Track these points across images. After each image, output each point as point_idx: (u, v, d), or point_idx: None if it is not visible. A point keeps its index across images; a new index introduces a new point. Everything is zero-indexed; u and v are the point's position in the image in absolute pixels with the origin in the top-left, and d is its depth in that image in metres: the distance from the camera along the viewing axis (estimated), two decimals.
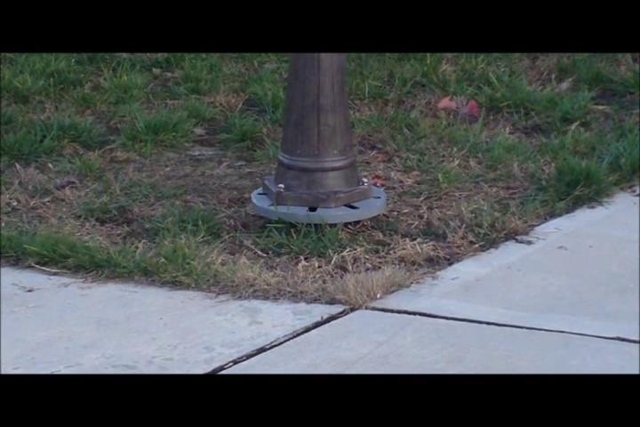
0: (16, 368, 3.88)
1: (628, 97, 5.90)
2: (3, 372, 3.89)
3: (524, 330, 4.01)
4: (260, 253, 4.54)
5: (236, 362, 3.86)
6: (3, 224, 4.82)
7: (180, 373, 3.81)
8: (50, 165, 5.38)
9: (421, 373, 3.80)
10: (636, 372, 3.76)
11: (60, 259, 4.51)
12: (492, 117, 5.73)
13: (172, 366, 3.85)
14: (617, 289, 4.27)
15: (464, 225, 4.68)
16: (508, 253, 4.58)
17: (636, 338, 3.91)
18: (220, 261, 4.44)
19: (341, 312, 4.16)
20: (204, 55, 6.66)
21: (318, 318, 4.11)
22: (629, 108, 5.79)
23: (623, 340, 3.91)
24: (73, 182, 5.20)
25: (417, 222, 4.76)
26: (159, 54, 6.73)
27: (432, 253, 4.52)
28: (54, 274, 4.47)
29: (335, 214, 4.67)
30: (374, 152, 5.34)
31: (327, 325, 4.09)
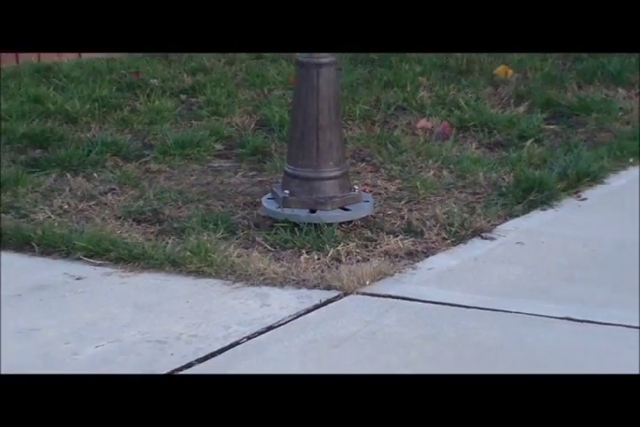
0: (67, 343, 3.88)
1: (573, 118, 5.92)
2: (55, 348, 3.89)
3: (488, 311, 4.02)
4: (269, 247, 4.55)
5: (249, 338, 3.87)
6: (56, 224, 4.83)
7: (202, 346, 3.82)
8: (95, 175, 5.38)
9: (403, 347, 3.80)
10: (582, 346, 3.76)
11: (103, 252, 4.52)
12: (461, 135, 5.74)
13: (196, 341, 3.86)
14: (565, 277, 4.28)
15: (438, 224, 4.69)
16: (475, 247, 4.59)
17: (581, 318, 3.91)
18: (235, 254, 4.45)
19: (336, 297, 4.17)
20: (222, 83, 6.65)
21: (317, 302, 4.13)
22: (575, 128, 5.82)
23: (571, 319, 3.92)
24: (114, 189, 5.21)
25: (399, 222, 4.77)
26: (185, 82, 6.74)
27: (411, 247, 4.53)
28: (98, 265, 4.48)
29: (331, 215, 4.68)
30: (363, 164, 5.36)
31: (324, 307, 4.10)
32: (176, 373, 3.66)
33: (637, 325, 3.85)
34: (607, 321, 3.89)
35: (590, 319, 3.91)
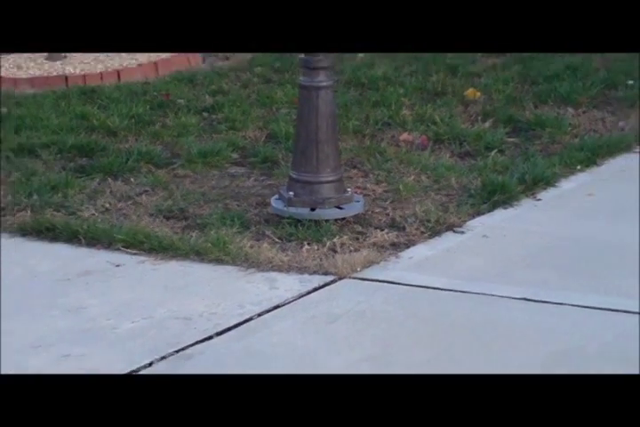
0: (108, 319, 3.89)
1: (530, 132, 5.92)
2: (98, 323, 3.89)
3: (459, 293, 4.03)
4: (276, 240, 4.54)
5: (259, 315, 3.90)
6: (99, 220, 4.83)
7: (220, 322, 3.82)
8: (131, 179, 5.38)
9: (387, 323, 3.81)
10: (537, 322, 3.76)
11: (138, 244, 4.53)
12: (436, 146, 5.73)
13: (215, 317, 3.88)
14: (524, 265, 4.28)
15: (417, 220, 4.68)
16: (448, 240, 4.57)
17: (537, 299, 3.92)
18: (248, 245, 4.45)
19: (332, 281, 4.17)
20: (237, 103, 6.64)
21: (316, 285, 4.13)
22: (532, 140, 5.81)
23: (527, 300, 3.92)
24: (147, 191, 5.20)
25: (385, 219, 4.76)
26: (207, 102, 6.73)
27: (395, 240, 4.53)
28: (134, 254, 4.48)
29: (328, 213, 4.68)
30: (355, 170, 5.35)
31: (322, 289, 4.11)
32: (198, 344, 3.68)
33: (585, 305, 3.86)
34: (559, 301, 3.90)
35: (544, 300, 3.92)
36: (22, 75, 7.72)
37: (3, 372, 3.49)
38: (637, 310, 3.77)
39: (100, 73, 7.64)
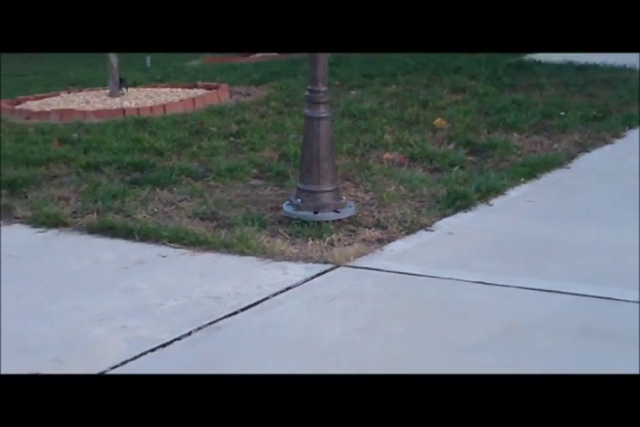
0: (156, 298, 3.91)
1: (485, 153, 5.94)
2: (148, 301, 3.89)
3: (429, 278, 4.03)
4: (287, 236, 4.54)
5: (274, 295, 3.90)
6: (149, 221, 4.82)
7: (244, 300, 3.83)
8: (174, 189, 5.40)
9: (374, 301, 3.81)
10: (490, 301, 3.77)
11: (179, 239, 4.54)
12: (412, 164, 5.75)
13: (240, 297, 3.89)
14: (480, 256, 4.29)
15: (397, 221, 4.68)
16: (421, 236, 4.57)
17: (489, 282, 3.92)
18: (265, 240, 4.46)
19: (331, 268, 4.16)
20: (257, 130, 6.69)
21: (318, 271, 4.13)
22: (486, 159, 5.83)
23: (482, 283, 3.93)
24: (186, 198, 5.21)
25: (371, 220, 4.75)
26: (233, 129, 6.75)
27: (380, 236, 4.53)
28: (176, 248, 4.49)
29: (328, 215, 4.68)
30: (348, 182, 5.37)
31: (323, 275, 4.11)
32: (226, 318, 3.69)
33: (527, 287, 3.87)
34: (506, 284, 3.90)
35: (495, 283, 3.92)
36: (90, 108, 7.75)
37: (74, 339, 3.50)
38: (567, 291, 3.78)
39: (150, 106, 7.66)
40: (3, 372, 3.24)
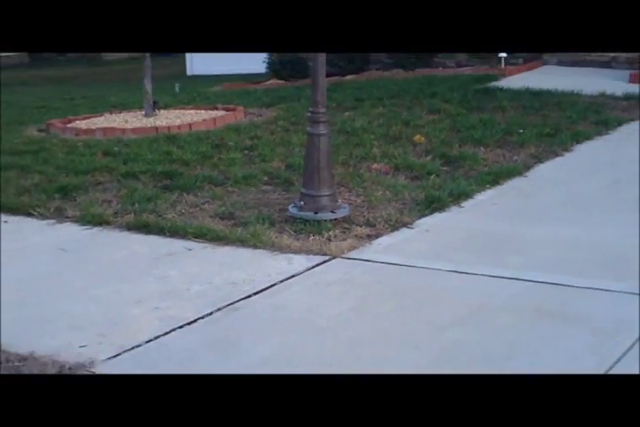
0: (183, 284, 3.91)
1: (456, 163, 5.91)
2: (177, 286, 3.89)
3: (409, 267, 4.03)
4: (292, 233, 4.52)
5: (281, 281, 3.90)
6: (178, 220, 4.79)
7: (256, 286, 3.83)
8: (198, 194, 5.38)
9: (363, 286, 3.81)
10: (461, 286, 3.76)
11: (203, 235, 4.53)
12: (396, 172, 5.74)
13: (253, 282, 3.89)
14: (452, 249, 4.28)
15: (383, 220, 4.66)
16: (403, 233, 4.55)
17: (460, 270, 3.92)
18: (274, 236, 4.45)
19: (328, 259, 4.15)
20: (268, 144, 6.67)
21: (318, 262, 4.12)
22: (457, 169, 5.80)
23: (454, 271, 3.92)
24: (208, 201, 5.20)
25: (362, 219, 4.72)
26: (247, 144, 6.74)
27: (369, 233, 4.51)
28: (200, 242, 4.48)
29: (326, 215, 4.65)
30: (343, 188, 5.35)
31: (322, 265, 4.10)
32: (242, 300, 3.69)
33: (491, 275, 3.87)
34: (474, 272, 3.90)
35: (465, 271, 3.92)
36: (128, 126, 7.75)
37: (115, 317, 3.50)
38: (524, 278, 3.78)
39: (178, 125, 7.66)
40: (55, 345, 3.24)
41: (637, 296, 3.54)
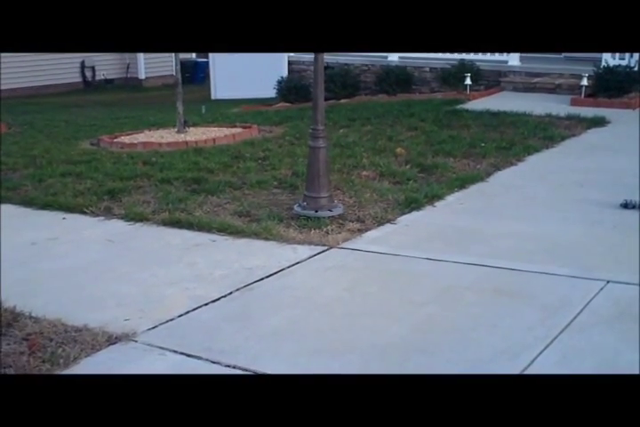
0: (208, 269, 3.87)
1: (430, 171, 5.88)
2: (204, 271, 3.87)
3: (392, 255, 4.02)
4: (297, 227, 4.50)
5: (288, 267, 3.88)
6: (204, 216, 4.75)
7: (268, 270, 3.80)
8: (220, 196, 5.35)
9: (355, 271, 3.80)
10: (434, 272, 3.75)
11: (224, 229, 4.50)
12: (381, 178, 5.71)
13: (265, 268, 3.87)
14: (428, 240, 4.27)
15: (371, 217, 4.64)
16: (387, 228, 4.53)
17: (433, 258, 3.91)
18: (282, 230, 4.43)
19: (327, 249, 4.13)
20: (277, 155, 6.62)
21: (318, 251, 4.10)
22: (431, 175, 5.76)
23: (429, 259, 3.91)
24: (229, 202, 5.17)
25: (354, 216, 4.70)
26: (261, 155, 6.69)
27: (360, 227, 4.49)
28: (222, 235, 4.45)
29: (324, 213, 4.63)
30: (338, 191, 5.30)
31: (321, 253, 4.08)
32: (256, 282, 3.68)
33: (459, 261, 3.85)
34: (445, 260, 3.89)
35: (437, 259, 3.91)
36: (163, 141, 7.71)
37: (153, 296, 3.49)
38: (486, 264, 3.78)
39: (204, 140, 7.63)
40: (104, 319, 3.23)
41: (575, 279, 3.53)
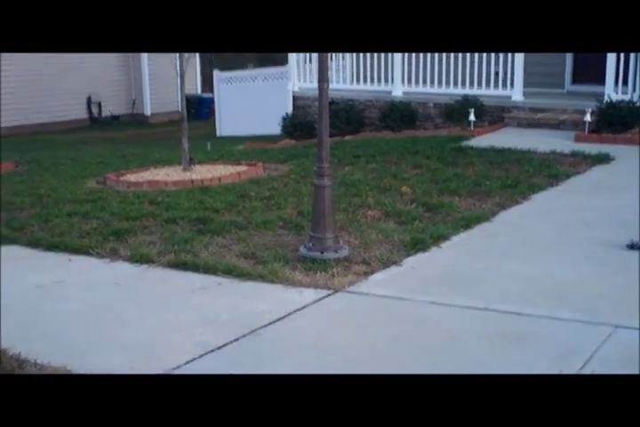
0: (214, 312, 3.85)
1: (436, 210, 5.84)
2: (209, 314, 3.86)
3: (397, 299, 4.02)
4: (303, 270, 4.50)
5: (295, 311, 3.89)
6: (210, 258, 4.75)
7: (276, 314, 3.80)
8: (226, 236, 5.35)
9: (361, 312, 3.79)
10: (437, 313, 3.74)
11: (230, 271, 4.51)
12: (387, 218, 5.72)
13: (272, 311, 3.87)
14: (433, 283, 4.25)
15: (377, 259, 4.64)
16: (393, 270, 4.53)
17: (439, 302, 3.88)
18: (288, 273, 4.43)
19: (332, 293, 4.14)
20: (282, 194, 6.66)
21: (324, 294, 4.10)
22: (437, 214, 5.74)
23: (433, 303, 3.87)
24: (235, 242, 5.16)
25: (360, 258, 4.70)
26: (266, 194, 6.71)
27: (365, 270, 4.49)
28: (228, 277, 4.46)
29: (330, 255, 4.63)
30: (344, 231, 5.31)
31: (328, 297, 4.08)
32: (264, 327, 3.67)
33: (465, 306, 3.83)
34: (450, 304, 3.86)
35: (443, 303, 3.87)
36: (169, 179, 7.78)
37: (158, 342, 3.48)
38: (491, 308, 3.77)
39: (210, 178, 7.68)
40: (109, 367, 3.23)
41: (583, 324, 3.53)
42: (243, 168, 8.26)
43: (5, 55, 14.25)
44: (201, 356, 3.35)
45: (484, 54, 10.38)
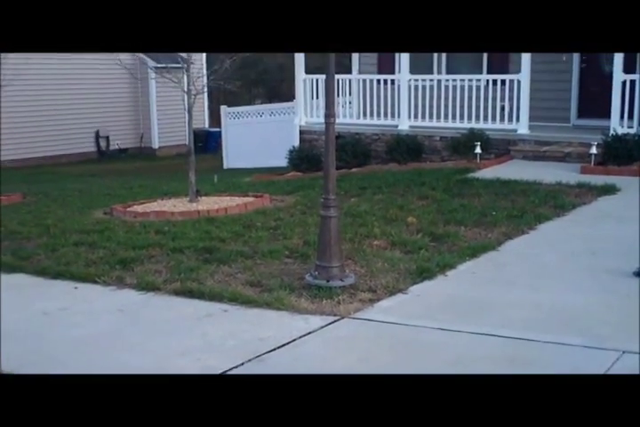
0: (221, 340, 3.86)
1: (442, 240, 5.88)
2: (212, 342, 3.88)
3: (403, 325, 4.04)
4: (309, 297, 4.52)
5: (300, 337, 3.90)
6: (215, 286, 4.78)
7: (281, 341, 3.80)
8: (233, 265, 5.37)
9: (366, 340, 3.80)
10: (447, 340, 3.75)
11: (236, 299, 4.54)
12: (393, 248, 5.73)
13: (278, 338, 3.88)
14: (439, 310, 4.26)
15: (383, 287, 4.66)
16: (398, 297, 4.54)
17: (445, 328, 3.88)
18: (294, 300, 4.45)
19: (338, 319, 4.15)
20: (288, 225, 6.68)
21: (330, 321, 4.12)
22: (442, 244, 5.77)
23: (441, 329, 3.87)
24: (240, 271, 5.19)
25: (365, 286, 4.72)
26: (272, 224, 6.76)
27: (371, 297, 4.51)
28: (234, 305, 4.48)
29: (336, 283, 4.65)
30: (350, 261, 5.33)
31: (333, 324, 4.10)
32: (269, 352, 3.68)
33: (473, 331, 3.83)
34: (458, 330, 3.86)
35: (450, 329, 3.87)
36: (176, 210, 7.85)
37: (164, 368, 3.49)
38: (497, 334, 3.77)
39: (216, 209, 7.75)
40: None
41: (590, 349, 3.53)
42: (249, 199, 8.33)
43: (17, 87, 14.43)
44: None
45: (490, 89, 10.52)
